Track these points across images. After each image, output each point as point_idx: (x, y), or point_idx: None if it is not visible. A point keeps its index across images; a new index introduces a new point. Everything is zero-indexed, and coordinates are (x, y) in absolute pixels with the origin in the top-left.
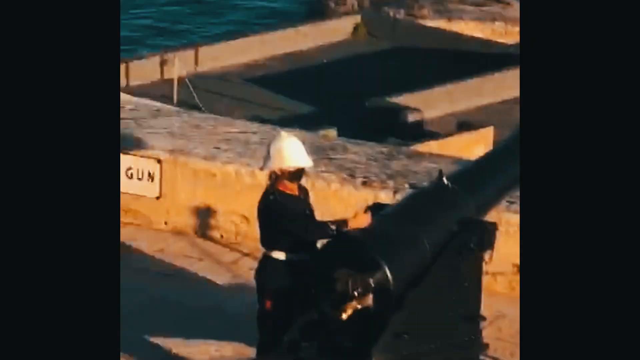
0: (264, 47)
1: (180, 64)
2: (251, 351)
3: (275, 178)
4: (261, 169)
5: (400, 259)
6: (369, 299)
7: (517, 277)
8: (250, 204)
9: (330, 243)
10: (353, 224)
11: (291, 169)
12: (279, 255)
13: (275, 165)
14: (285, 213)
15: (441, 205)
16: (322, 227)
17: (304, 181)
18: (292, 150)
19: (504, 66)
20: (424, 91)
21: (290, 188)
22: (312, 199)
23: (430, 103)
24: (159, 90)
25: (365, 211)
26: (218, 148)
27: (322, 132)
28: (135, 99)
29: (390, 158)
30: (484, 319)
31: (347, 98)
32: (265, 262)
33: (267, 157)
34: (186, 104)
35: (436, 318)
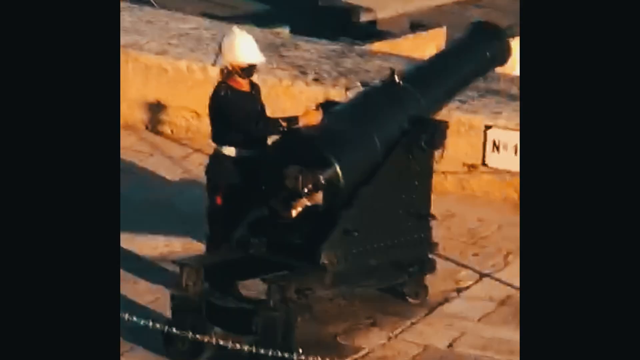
0: None
1: None
2: (200, 247)
3: (227, 74)
4: (213, 64)
5: (350, 156)
6: (319, 196)
7: (467, 177)
8: (201, 100)
9: (281, 140)
10: (304, 121)
11: (243, 65)
12: (230, 151)
13: (227, 60)
14: (236, 109)
15: (392, 103)
16: (272, 124)
17: (255, 77)
18: (244, 45)
19: None
20: None
21: (242, 84)
22: (264, 95)
23: (383, 3)
24: None
25: (317, 108)
26: (170, 43)
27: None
28: None
29: (342, 56)
30: (433, 217)
31: None
32: (216, 158)
33: (219, 52)
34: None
35: (386, 216)
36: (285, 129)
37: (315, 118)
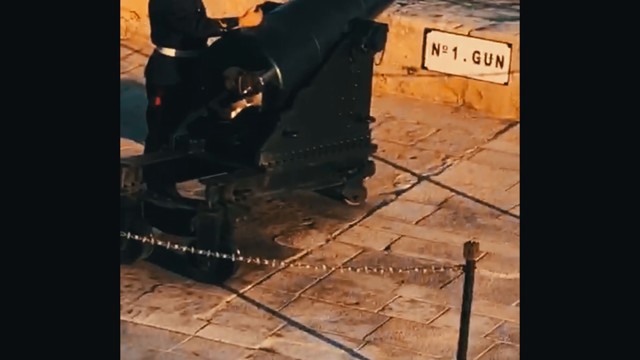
0: None
1: None
2: (140, 147)
3: None
4: None
5: (290, 58)
6: (259, 98)
7: (407, 79)
8: (140, 0)
9: (221, 41)
10: (244, 22)
11: None
12: (169, 52)
13: None
14: (176, 9)
15: (332, 5)
16: (212, 25)
17: None
18: None
19: None
20: None
21: None
22: None
23: None
24: None
25: (257, 10)
26: None
27: None
28: None
29: None
30: (372, 119)
31: None
32: (155, 59)
33: None
34: None
35: (325, 117)
36: (225, 30)
37: (256, 19)
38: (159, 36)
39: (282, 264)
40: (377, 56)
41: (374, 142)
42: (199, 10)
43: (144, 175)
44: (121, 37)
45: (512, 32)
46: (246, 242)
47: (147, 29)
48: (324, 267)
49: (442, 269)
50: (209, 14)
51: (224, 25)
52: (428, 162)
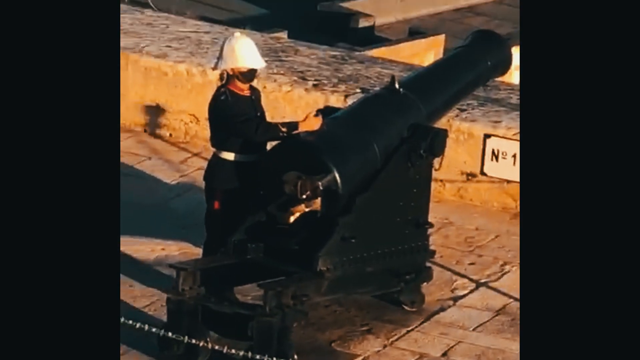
0: None
1: None
2: (197, 251)
3: (227, 78)
4: (213, 68)
5: (349, 163)
6: (317, 202)
7: (465, 185)
8: (200, 104)
9: (280, 145)
10: (303, 127)
11: (243, 70)
12: (229, 155)
13: (228, 65)
14: (236, 113)
15: (392, 110)
16: (272, 129)
17: (255, 82)
18: (245, 50)
19: None
20: None
21: (242, 88)
22: (263, 101)
23: (382, 9)
24: None
25: (316, 115)
26: (170, 46)
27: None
28: None
29: (342, 62)
30: (431, 225)
31: (299, 1)
32: (215, 163)
33: (220, 56)
34: (137, 3)
35: (384, 223)
36: (285, 135)
37: (316, 124)
38: (219, 140)
39: None
40: (436, 161)
41: (432, 247)
42: (258, 114)
43: (202, 278)
44: (180, 140)
45: None
46: (303, 347)
47: (207, 132)
48: None
49: None
50: (269, 118)
51: (284, 130)
52: (486, 268)
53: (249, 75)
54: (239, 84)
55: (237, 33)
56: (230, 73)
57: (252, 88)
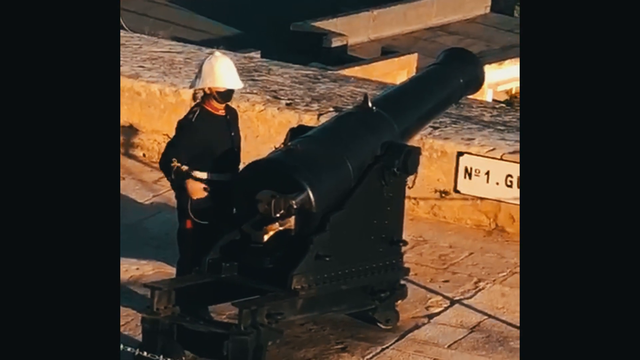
0: None
1: None
2: (172, 270)
3: (203, 97)
4: (190, 86)
5: (323, 182)
6: (291, 221)
7: (439, 202)
8: (173, 123)
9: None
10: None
11: (221, 89)
12: (201, 175)
13: (206, 83)
14: (178, 135)
15: (365, 128)
16: (168, 170)
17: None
18: (224, 70)
19: None
20: (349, 16)
21: (217, 108)
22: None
23: (354, 28)
24: None
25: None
26: (143, 67)
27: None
28: None
29: (315, 81)
30: (405, 243)
31: (271, 21)
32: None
33: (198, 74)
34: None
35: (358, 241)
36: (172, 181)
37: (197, 193)
38: (188, 159)
39: None
40: (409, 179)
41: (406, 265)
42: (232, 134)
43: (177, 298)
44: (154, 160)
45: None
46: None
47: None
48: None
49: None
50: (243, 137)
51: (174, 177)
52: (460, 285)
53: (226, 95)
54: (215, 103)
55: (218, 52)
56: (207, 92)
57: (228, 108)
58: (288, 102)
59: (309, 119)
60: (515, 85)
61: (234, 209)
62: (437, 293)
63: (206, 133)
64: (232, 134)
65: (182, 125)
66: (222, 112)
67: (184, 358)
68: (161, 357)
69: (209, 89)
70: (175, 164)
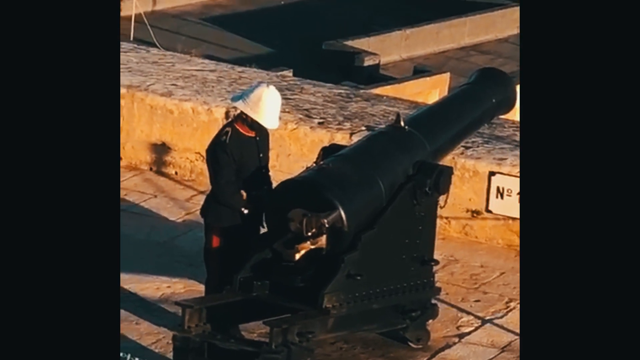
0: None
1: (138, 2)
2: (203, 288)
3: (238, 116)
4: (232, 100)
5: (355, 201)
6: (323, 240)
7: (471, 222)
8: (205, 142)
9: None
10: None
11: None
12: None
13: (247, 109)
14: (223, 164)
15: (398, 147)
16: (235, 200)
17: None
18: (271, 109)
19: (462, 12)
20: (381, 35)
21: (248, 130)
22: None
23: (387, 47)
24: None
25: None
26: (175, 85)
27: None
28: None
29: (347, 100)
30: (436, 262)
31: (304, 40)
32: (212, 200)
33: (245, 96)
34: (143, 43)
35: (389, 260)
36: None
37: None
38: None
39: None
40: (441, 199)
41: (437, 284)
42: (261, 155)
43: (208, 316)
44: (186, 177)
45: None
46: None
47: None
48: None
49: None
50: (273, 156)
51: (243, 209)
52: (491, 305)
53: (257, 126)
54: (247, 127)
55: (272, 86)
56: (243, 116)
57: (260, 127)
58: (320, 120)
59: (341, 138)
60: None
61: (266, 227)
62: (468, 313)
63: (237, 154)
64: (261, 155)
65: (215, 148)
66: (252, 134)
67: None
68: None
69: (248, 115)
70: (244, 195)
